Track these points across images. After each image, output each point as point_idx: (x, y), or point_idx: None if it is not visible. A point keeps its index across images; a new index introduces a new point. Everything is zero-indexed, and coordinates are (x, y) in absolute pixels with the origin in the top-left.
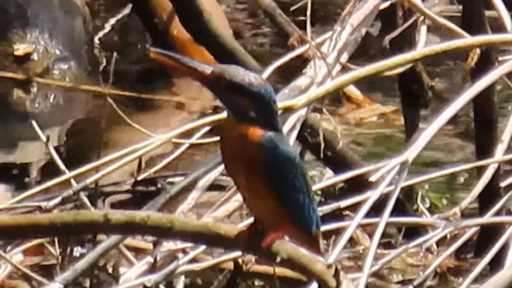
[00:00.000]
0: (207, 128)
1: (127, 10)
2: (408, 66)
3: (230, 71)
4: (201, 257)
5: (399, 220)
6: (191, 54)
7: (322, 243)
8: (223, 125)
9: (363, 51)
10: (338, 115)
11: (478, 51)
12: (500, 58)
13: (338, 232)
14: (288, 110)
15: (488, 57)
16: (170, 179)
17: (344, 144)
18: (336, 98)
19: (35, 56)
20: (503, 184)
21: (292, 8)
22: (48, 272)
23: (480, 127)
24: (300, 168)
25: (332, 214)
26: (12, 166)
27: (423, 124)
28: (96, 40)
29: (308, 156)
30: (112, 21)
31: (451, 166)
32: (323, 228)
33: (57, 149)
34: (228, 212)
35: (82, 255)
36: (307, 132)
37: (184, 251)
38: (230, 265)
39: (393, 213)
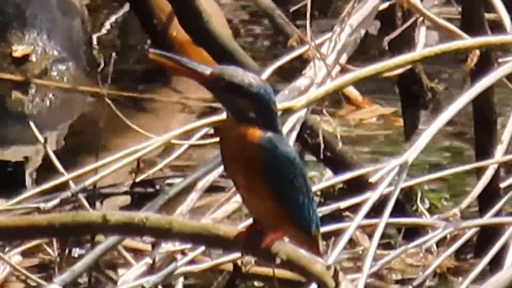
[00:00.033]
0: (206, 129)
1: (126, 10)
2: (408, 67)
3: (229, 71)
4: (200, 259)
5: (399, 221)
6: (190, 55)
7: (321, 244)
8: (222, 125)
9: (363, 51)
10: (338, 116)
11: (477, 52)
12: (500, 60)
13: (337, 233)
14: (288, 111)
15: (487, 59)
16: (169, 181)
17: (344, 145)
18: (336, 99)
19: (33, 58)
20: (502, 185)
21: (292, 9)
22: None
23: (479, 128)
24: (300, 169)
25: (332, 215)
26: (10, 167)
27: (422, 125)
28: (94, 40)
29: (308, 156)
30: (112, 19)
31: (451, 167)
32: (323, 229)
33: (55, 150)
34: (227, 213)
35: (80, 256)
36: (306, 133)
37: (183, 252)
38: (229, 267)
39: (393, 213)
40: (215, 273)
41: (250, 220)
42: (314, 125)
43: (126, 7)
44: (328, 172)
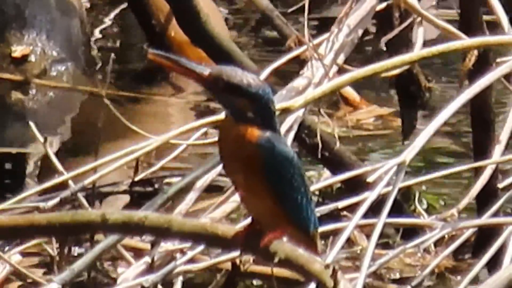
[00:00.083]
0: (204, 129)
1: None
2: (405, 67)
3: (227, 72)
4: (199, 257)
5: (397, 221)
6: (189, 55)
7: (319, 243)
8: (221, 125)
9: (360, 52)
10: (336, 117)
11: (475, 52)
12: (497, 60)
13: (336, 232)
14: (286, 111)
15: (485, 59)
16: (167, 180)
17: (342, 146)
18: (334, 100)
19: (32, 58)
20: (500, 185)
21: (290, 10)
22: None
23: (477, 128)
24: (298, 168)
25: (330, 215)
26: (10, 167)
27: (420, 125)
28: (93, 41)
29: (306, 156)
30: (111, 16)
31: (449, 167)
32: (321, 228)
33: (55, 150)
34: (226, 213)
35: (80, 255)
36: (304, 133)
37: (182, 251)
38: (228, 265)
39: (391, 213)
40: (214, 272)
41: (248, 220)
42: (312, 125)
43: (123, 6)
44: (326, 172)
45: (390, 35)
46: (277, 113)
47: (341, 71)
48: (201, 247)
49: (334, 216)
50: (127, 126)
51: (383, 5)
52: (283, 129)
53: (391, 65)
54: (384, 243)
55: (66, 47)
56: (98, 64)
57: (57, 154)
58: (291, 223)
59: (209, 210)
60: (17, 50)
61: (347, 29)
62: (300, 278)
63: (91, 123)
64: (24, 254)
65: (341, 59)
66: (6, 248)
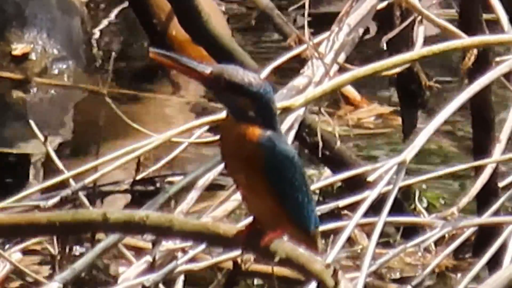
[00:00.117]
0: (206, 127)
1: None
2: (406, 66)
3: (229, 71)
4: (200, 257)
5: (397, 220)
6: (190, 54)
7: (320, 242)
8: (222, 124)
9: (361, 51)
10: (337, 116)
11: (475, 51)
12: (497, 59)
13: (336, 231)
14: (286, 110)
15: (485, 58)
16: (169, 179)
17: (342, 144)
18: (334, 99)
19: (33, 56)
20: (501, 184)
21: (290, 9)
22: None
23: (477, 127)
24: (299, 167)
25: (331, 214)
26: (11, 165)
27: (421, 124)
28: (94, 39)
29: (307, 155)
30: (112, 15)
31: (449, 166)
32: (322, 227)
33: (55, 149)
34: (227, 211)
35: (81, 254)
36: (305, 132)
37: (183, 251)
38: (229, 265)
39: (391, 212)
40: (215, 271)
41: (249, 219)
42: (312, 124)
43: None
44: (327, 171)
45: (391, 34)
46: (278, 112)
47: (341, 70)
48: (202, 246)
49: (335, 215)
50: (128, 124)
51: (384, 3)
52: (283, 128)
53: (392, 64)
54: (385, 242)
55: (67, 45)
56: (99, 63)
57: (57, 152)
58: (292, 222)
59: (211, 209)
60: (18, 49)
61: (347, 28)
62: (300, 278)
63: (92, 122)
64: (25, 252)
65: (341, 58)
66: (7, 247)
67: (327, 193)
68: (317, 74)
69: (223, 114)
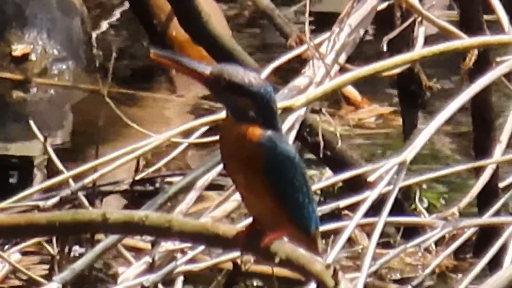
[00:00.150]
0: (206, 128)
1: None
2: (406, 66)
3: (229, 71)
4: (199, 257)
5: (398, 220)
6: (190, 54)
7: (320, 243)
8: (222, 124)
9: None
10: (337, 116)
11: (476, 52)
12: (498, 59)
13: (337, 231)
14: (287, 110)
15: (486, 58)
16: (168, 179)
17: (343, 145)
18: (335, 100)
19: (33, 57)
20: (501, 184)
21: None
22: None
23: (478, 128)
24: (300, 168)
25: (332, 214)
26: (10, 165)
27: (421, 125)
28: (94, 39)
29: (308, 155)
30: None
31: (450, 166)
32: (322, 227)
33: (55, 149)
34: (227, 212)
35: (80, 255)
36: (306, 132)
37: (182, 251)
38: (229, 265)
39: (392, 213)
40: (215, 272)
41: (249, 219)
42: (313, 124)
43: (125, 5)
44: (328, 171)
45: (391, 35)
46: (278, 112)
47: (342, 70)
48: (202, 247)
49: (336, 215)
50: (128, 124)
51: (385, 4)
52: (284, 128)
53: (392, 64)
54: (385, 243)
55: (67, 46)
56: (99, 63)
57: (57, 152)
58: (292, 222)
59: (210, 210)
60: (18, 49)
61: (348, 28)
62: (301, 278)
63: (92, 122)
64: (24, 253)
65: (342, 58)
66: (6, 247)
67: (328, 193)
68: (318, 74)
69: (223, 114)
